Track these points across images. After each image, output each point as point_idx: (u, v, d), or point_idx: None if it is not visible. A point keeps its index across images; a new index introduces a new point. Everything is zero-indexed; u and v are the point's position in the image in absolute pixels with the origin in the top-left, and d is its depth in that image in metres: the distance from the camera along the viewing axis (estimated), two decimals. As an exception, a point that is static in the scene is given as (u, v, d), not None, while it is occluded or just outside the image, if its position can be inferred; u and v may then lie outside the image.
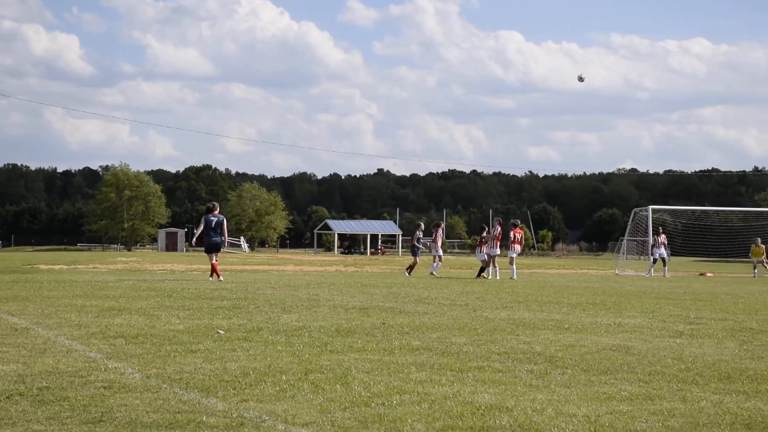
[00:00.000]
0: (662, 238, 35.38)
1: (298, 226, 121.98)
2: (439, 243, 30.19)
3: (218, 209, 21.99)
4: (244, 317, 12.28)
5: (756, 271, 36.04)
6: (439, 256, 30.15)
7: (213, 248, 21.53)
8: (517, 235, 28.48)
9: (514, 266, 27.99)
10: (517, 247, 28.31)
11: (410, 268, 29.82)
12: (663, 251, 34.97)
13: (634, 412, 6.29)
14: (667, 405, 6.55)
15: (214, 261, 21.46)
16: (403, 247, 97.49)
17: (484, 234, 28.49)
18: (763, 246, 37.15)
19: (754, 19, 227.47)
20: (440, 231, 30.76)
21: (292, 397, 6.67)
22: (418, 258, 30.19)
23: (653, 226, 38.03)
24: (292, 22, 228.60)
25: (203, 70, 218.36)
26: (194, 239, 22.14)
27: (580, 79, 34.44)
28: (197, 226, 22.15)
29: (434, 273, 29.29)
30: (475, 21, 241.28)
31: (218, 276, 21.19)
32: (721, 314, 14.43)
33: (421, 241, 30.83)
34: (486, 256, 27.99)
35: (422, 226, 32.09)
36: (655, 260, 35.02)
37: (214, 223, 21.46)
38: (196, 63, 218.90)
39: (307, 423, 5.88)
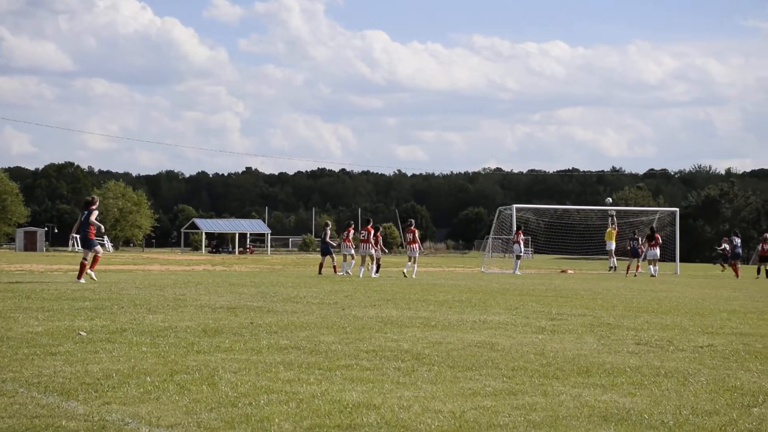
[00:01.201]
0: (517, 236, 36.52)
1: (164, 225, 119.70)
2: (351, 242, 29.98)
3: (95, 203, 20.97)
4: (108, 318, 11.97)
5: (613, 260, 37.48)
6: (351, 255, 30.14)
7: (82, 245, 20.98)
8: (408, 235, 29.33)
9: (416, 265, 28.67)
10: (415, 247, 28.91)
11: (321, 266, 29.71)
12: (518, 248, 36.13)
13: (498, 406, 6.43)
14: (529, 399, 6.72)
15: (83, 259, 20.60)
16: (271, 246, 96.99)
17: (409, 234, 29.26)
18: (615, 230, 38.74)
19: (608, 24, 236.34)
20: (351, 230, 30.89)
21: (156, 398, 6.54)
22: (332, 257, 30.10)
23: (517, 225, 39.02)
24: (155, 18, 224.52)
25: (62, 65, 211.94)
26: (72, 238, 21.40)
27: (608, 203, 37.06)
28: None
29: (349, 272, 29.18)
30: (341, 20, 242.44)
31: (78, 278, 20.31)
32: (580, 310, 14.91)
33: (330, 238, 30.73)
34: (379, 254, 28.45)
35: (330, 224, 32.07)
36: (518, 257, 36.02)
37: (83, 217, 20.73)
38: (54, 57, 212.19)
39: (172, 425, 5.78)
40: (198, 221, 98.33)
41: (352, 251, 29.99)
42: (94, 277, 20.40)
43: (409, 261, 28.64)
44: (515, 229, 37.92)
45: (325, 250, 30.37)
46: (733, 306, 16.85)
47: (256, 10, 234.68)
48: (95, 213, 20.67)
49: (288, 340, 9.84)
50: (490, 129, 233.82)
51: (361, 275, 27.40)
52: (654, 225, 40.34)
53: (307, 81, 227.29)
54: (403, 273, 28.15)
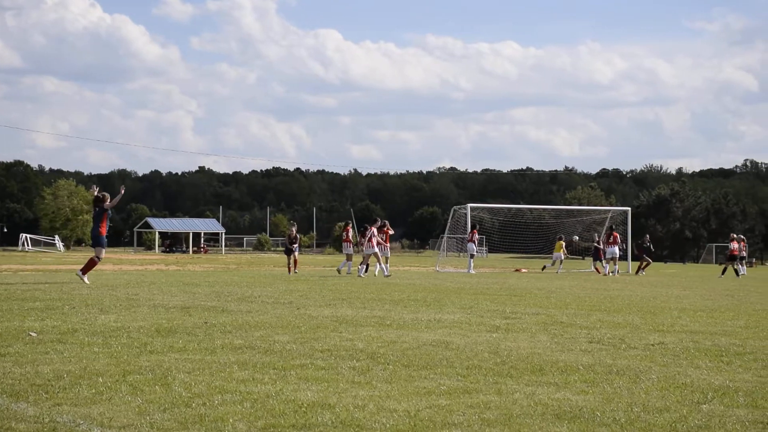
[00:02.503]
0: (472, 235, 36.85)
1: (117, 224, 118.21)
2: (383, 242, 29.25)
3: (106, 200, 19.73)
4: (59, 318, 11.82)
5: (559, 265, 37.90)
6: (350, 255, 30.53)
7: (93, 242, 20.18)
8: (381, 235, 29.45)
9: (387, 264, 28.88)
10: (387, 246, 29.21)
11: (294, 266, 29.55)
12: (472, 247, 36.44)
13: (452, 405, 6.45)
14: (483, 398, 6.75)
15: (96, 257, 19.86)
16: (226, 246, 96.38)
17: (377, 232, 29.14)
18: (562, 243, 39.18)
19: (559, 24, 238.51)
20: (350, 230, 31.15)
21: (108, 399, 6.47)
22: (296, 255, 30.07)
23: (472, 224, 39.23)
24: (105, 15, 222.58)
25: (10, 62, 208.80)
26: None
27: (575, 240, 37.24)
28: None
29: (349, 271, 29.05)
30: (293, 19, 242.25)
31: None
32: (534, 309, 15.02)
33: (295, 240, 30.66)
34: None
35: (296, 226, 32.06)
36: (471, 255, 36.30)
37: (94, 214, 20.04)
38: (1, 54, 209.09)
39: (125, 425, 5.72)
40: (151, 220, 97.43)
41: (351, 251, 30.35)
42: (86, 281, 19.55)
43: (385, 261, 28.64)
44: (470, 228, 38.14)
45: (288, 250, 30.45)
46: (683, 304, 17.08)
47: (207, 8, 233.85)
48: (106, 213, 19.71)
49: (242, 340, 9.79)
50: (443, 128, 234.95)
51: (387, 273, 27.50)
52: (611, 224, 40.77)
53: (260, 80, 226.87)
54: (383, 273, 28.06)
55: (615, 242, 35.54)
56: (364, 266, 27.79)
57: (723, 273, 35.52)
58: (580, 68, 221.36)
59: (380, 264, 28.03)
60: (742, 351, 9.68)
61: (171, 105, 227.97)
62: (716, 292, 22.50)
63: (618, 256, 35.94)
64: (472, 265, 35.71)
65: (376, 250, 27.77)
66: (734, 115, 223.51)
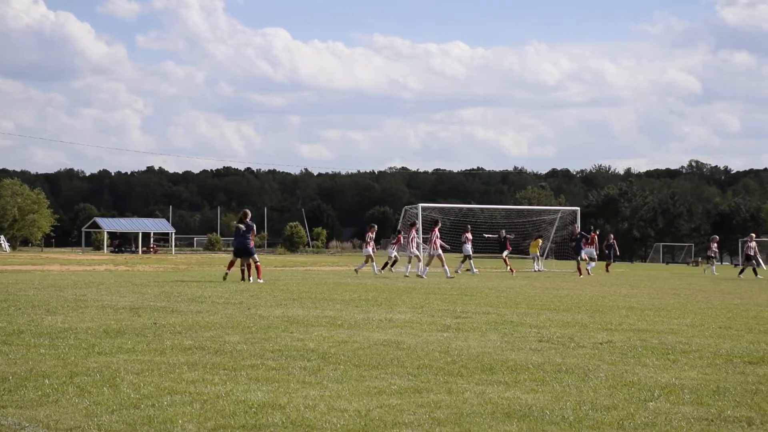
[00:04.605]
0: (465, 236, 37.47)
1: (64, 224, 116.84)
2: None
3: (248, 217, 23.47)
4: (4, 320, 11.64)
5: (536, 263, 38.46)
6: (371, 257, 31.34)
7: (239, 252, 23.19)
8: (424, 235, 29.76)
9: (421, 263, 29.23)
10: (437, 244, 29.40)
11: (247, 271, 29.10)
12: (466, 249, 37.03)
13: (403, 405, 6.47)
14: (434, 397, 6.77)
15: (255, 262, 23.11)
16: (176, 246, 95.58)
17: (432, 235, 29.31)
18: (539, 241, 39.77)
19: (506, 25, 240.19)
20: (373, 232, 31.98)
21: (55, 401, 6.39)
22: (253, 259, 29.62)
23: (464, 225, 39.75)
24: (49, 12, 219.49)
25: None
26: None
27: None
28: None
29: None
30: (241, 17, 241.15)
31: (250, 277, 22.60)
32: (485, 308, 15.10)
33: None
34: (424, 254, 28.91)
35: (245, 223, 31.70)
36: (466, 257, 36.93)
37: (242, 232, 23.17)
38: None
39: (72, 428, 5.65)
40: (99, 220, 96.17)
41: (371, 251, 31.46)
42: (260, 280, 22.71)
43: (421, 262, 28.75)
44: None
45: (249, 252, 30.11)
46: (631, 303, 17.29)
47: (154, 6, 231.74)
48: (254, 227, 23.55)
49: (192, 341, 9.72)
50: (393, 128, 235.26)
51: (407, 274, 28.06)
52: (590, 226, 41.27)
53: (208, 79, 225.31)
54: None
55: (592, 243, 36.11)
56: (440, 267, 28.31)
57: (756, 273, 35.64)
58: (527, 68, 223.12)
59: (421, 264, 28.96)
60: (688, 349, 9.82)
61: (118, 104, 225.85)
62: (663, 291, 22.82)
63: (596, 256, 36.48)
64: (473, 265, 36.29)
65: (440, 252, 28.45)
66: (678, 117, 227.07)
